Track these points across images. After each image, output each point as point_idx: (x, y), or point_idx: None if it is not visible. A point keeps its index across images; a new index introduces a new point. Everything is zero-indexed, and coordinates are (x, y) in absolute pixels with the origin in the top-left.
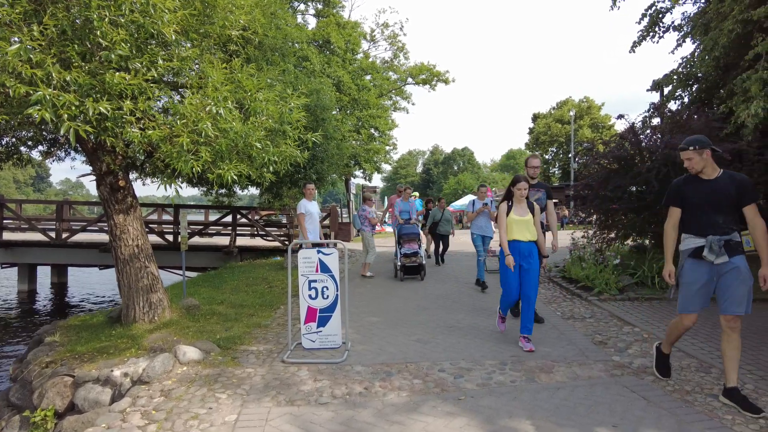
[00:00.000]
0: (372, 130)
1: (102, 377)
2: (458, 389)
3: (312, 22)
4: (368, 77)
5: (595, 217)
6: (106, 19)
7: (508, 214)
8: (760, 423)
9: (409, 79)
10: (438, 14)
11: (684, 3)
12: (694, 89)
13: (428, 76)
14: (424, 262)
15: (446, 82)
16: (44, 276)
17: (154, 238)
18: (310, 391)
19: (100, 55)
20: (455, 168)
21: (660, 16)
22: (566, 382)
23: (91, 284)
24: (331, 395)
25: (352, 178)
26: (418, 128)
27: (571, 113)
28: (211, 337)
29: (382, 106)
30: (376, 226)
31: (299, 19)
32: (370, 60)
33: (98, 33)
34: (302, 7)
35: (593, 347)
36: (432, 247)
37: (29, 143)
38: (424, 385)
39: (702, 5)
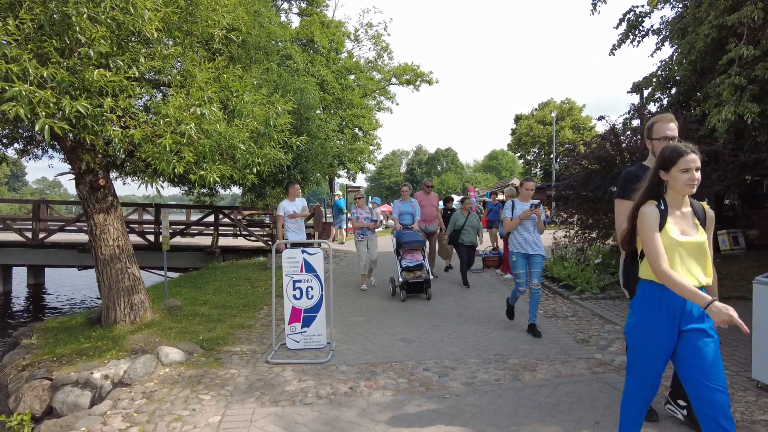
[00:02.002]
0: (356, 130)
1: (81, 380)
2: (443, 388)
3: (295, 21)
4: (352, 77)
5: (576, 217)
6: (85, 15)
7: (662, 228)
8: (735, 417)
9: (393, 79)
10: (422, 15)
11: (662, 7)
12: (672, 92)
13: (412, 77)
14: (430, 276)
15: (430, 82)
16: (20, 277)
17: (134, 238)
18: (294, 391)
19: (79, 52)
20: (439, 168)
21: (639, 20)
22: (549, 380)
23: (70, 285)
24: (316, 395)
25: (336, 178)
26: (402, 128)
27: (553, 114)
28: (193, 338)
29: (366, 105)
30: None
31: (282, 17)
32: (354, 60)
33: (77, 29)
34: (285, 5)
35: (575, 345)
36: (443, 260)
37: (4, 141)
38: (408, 384)
39: (680, 10)
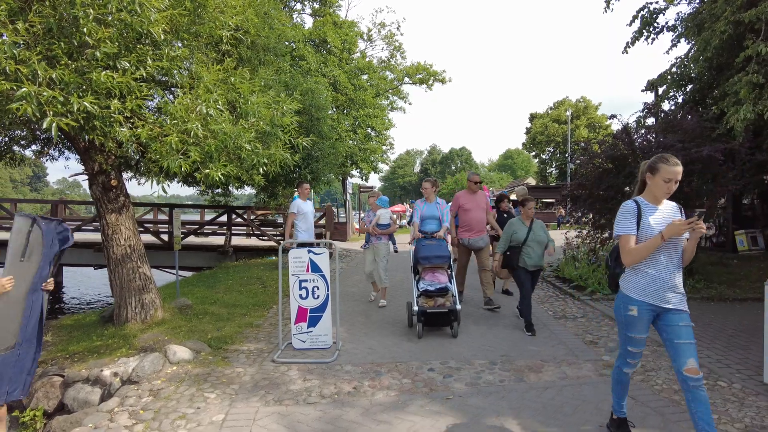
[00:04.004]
0: (368, 130)
1: (92, 377)
2: (447, 389)
3: (308, 21)
4: (365, 77)
5: (591, 215)
6: (91, 17)
7: None
8: (745, 422)
9: (406, 79)
10: (435, 14)
11: (678, 3)
12: (687, 89)
13: (425, 76)
14: (458, 306)
15: (443, 81)
16: None
17: (149, 238)
18: (298, 390)
19: (86, 53)
20: (453, 168)
21: (653, 16)
22: (555, 382)
23: (87, 284)
24: (320, 395)
25: (348, 178)
26: (415, 128)
27: (568, 113)
28: (202, 337)
29: (379, 105)
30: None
31: (295, 18)
32: (367, 59)
33: (84, 31)
34: (298, 6)
35: (583, 347)
36: (500, 279)
37: (22, 142)
38: (412, 385)
39: (696, 5)
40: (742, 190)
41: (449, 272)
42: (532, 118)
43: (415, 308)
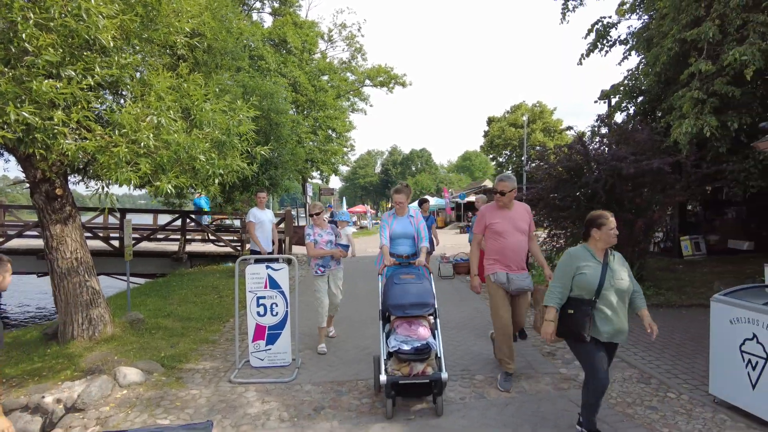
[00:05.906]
0: (329, 132)
1: (32, 404)
2: (407, 408)
3: (268, 20)
4: (325, 78)
5: (545, 224)
6: (31, 21)
7: None
8: None
9: (367, 81)
10: (396, 18)
11: (630, 17)
12: (639, 101)
13: (386, 79)
14: (443, 374)
15: (403, 84)
16: None
17: (99, 244)
18: (256, 414)
19: (25, 61)
20: (413, 168)
21: (607, 30)
22: (515, 397)
23: (28, 293)
24: (279, 418)
25: (309, 179)
26: (376, 129)
27: (525, 117)
28: (155, 356)
29: (340, 107)
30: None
31: (255, 16)
32: (328, 60)
33: (23, 37)
34: (258, 5)
35: (541, 359)
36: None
37: None
38: (372, 405)
39: (646, 20)
40: (688, 198)
41: (432, 321)
42: (490, 121)
43: (383, 377)
